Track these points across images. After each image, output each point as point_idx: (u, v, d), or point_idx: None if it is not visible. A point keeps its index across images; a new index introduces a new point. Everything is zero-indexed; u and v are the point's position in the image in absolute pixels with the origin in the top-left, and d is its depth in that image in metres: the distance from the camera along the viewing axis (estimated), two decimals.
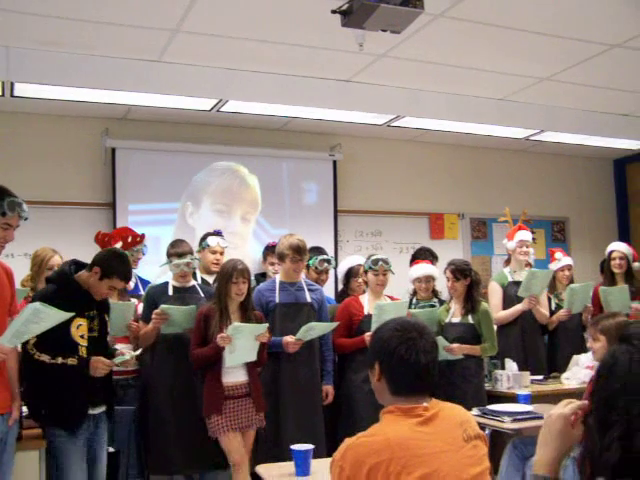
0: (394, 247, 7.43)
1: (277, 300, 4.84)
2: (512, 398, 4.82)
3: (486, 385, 5.31)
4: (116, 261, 3.87)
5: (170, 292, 4.72)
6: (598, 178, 8.88)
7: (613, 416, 1.37)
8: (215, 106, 5.96)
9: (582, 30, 4.97)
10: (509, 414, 4.21)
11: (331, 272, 5.93)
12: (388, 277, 5.15)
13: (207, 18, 4.65)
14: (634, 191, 8.82)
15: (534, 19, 4.76)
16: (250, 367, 4.46)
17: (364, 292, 5.35)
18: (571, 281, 6.22)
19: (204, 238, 5.48)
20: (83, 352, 3.74)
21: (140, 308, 4.80)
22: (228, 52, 5.25)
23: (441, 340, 4.89)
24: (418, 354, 2.18)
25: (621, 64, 5.64)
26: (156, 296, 4.70)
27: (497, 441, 4.43)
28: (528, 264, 6.05)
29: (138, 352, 4.19)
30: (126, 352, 4.15)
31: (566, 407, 1.69)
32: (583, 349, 5.67)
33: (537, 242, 6.39)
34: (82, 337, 3.74)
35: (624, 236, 8.49)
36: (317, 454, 3.42)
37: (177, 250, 4.74)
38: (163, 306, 4.52)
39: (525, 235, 5.99)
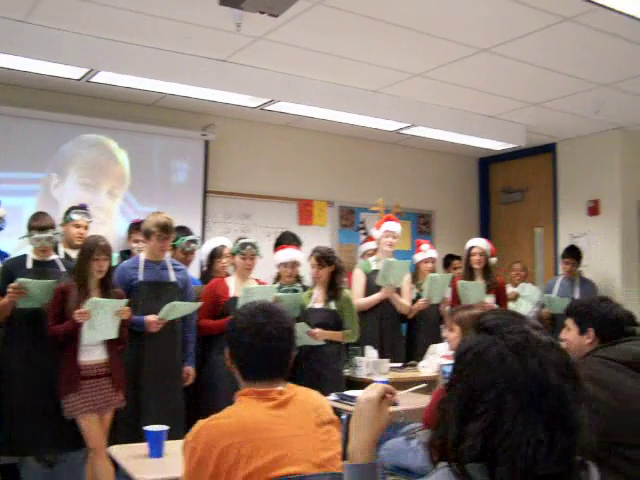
0: (262, 231, 7.40)
1: (141, 278, 4.76)
2: (370, 384, 4.93)
3: (346, 371, 5.42)
4: None
5: (29, 265, 4.55)
6: (463, 175, 9.21)
7: (479, 408, 1.32)
8: (85, 76, 5.73)
9: (454, 31, 5.12)
10: None
11: (197, 253, 5.88)
12: (256, 261, 5.17)
13: None
14: (495, 190, 9.21)
15: (410, 16, 4.86)
16: (110, 345, 4.38)
17: (227, 274, 5.34)
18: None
19: (68, 212, 5.32)
20: None
21: None
22: (102, 20, 5.05)
23: (303, 325, 4.95)
24: (263, 339, 2.17)
25: (488, 68, 5.85)
26: (13, 269, 4.52)
27: None
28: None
29: None
30: None
31: (373, 390, 1.69)
32: (440, 339, 5.89)
33: (403, 233, 6.54)
34: None
35: (484, 232, 8.87)
36: (176, 435, 3.39)
37: (39, 223, 4.56)
38: (20, 279, 4.36)
39: (392, 226, 6.12)
